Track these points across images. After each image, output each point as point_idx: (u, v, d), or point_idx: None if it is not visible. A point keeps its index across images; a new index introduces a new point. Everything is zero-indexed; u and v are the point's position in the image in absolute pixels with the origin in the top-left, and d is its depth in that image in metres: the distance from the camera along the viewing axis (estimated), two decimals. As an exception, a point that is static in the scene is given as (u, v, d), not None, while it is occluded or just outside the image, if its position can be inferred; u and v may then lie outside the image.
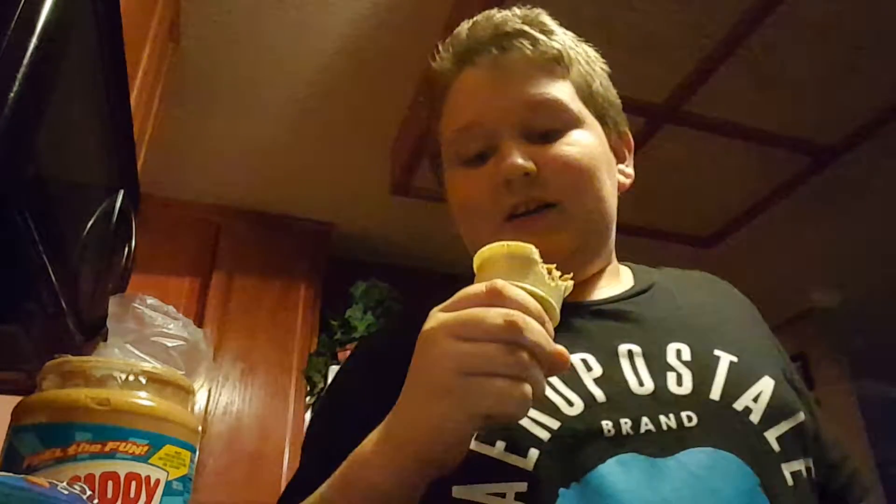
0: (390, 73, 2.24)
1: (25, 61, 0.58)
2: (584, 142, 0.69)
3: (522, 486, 0.55)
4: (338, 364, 2.55)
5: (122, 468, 0.54)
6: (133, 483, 0.54)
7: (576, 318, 0.66)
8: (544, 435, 0.57)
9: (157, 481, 0.55)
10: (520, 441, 0.56)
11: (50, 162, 0.69)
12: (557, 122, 0.69)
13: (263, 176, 2.78)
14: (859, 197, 2.73)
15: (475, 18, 0.73)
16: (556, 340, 0.50)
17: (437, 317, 0.49)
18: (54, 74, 0.66)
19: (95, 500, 0.51)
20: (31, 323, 0.75)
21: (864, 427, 3.34)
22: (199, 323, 2.64)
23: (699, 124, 2.32)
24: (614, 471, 0.55)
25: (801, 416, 0.63)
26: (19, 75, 0.58)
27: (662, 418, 0.58)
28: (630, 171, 0.77)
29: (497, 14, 0.72)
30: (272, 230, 2.99)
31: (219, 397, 2.61)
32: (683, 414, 0.59)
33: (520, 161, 0.65)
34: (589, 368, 0.61)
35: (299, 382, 2.72)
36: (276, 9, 2.01)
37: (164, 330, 0.65)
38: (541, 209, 0.66)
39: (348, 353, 2.82)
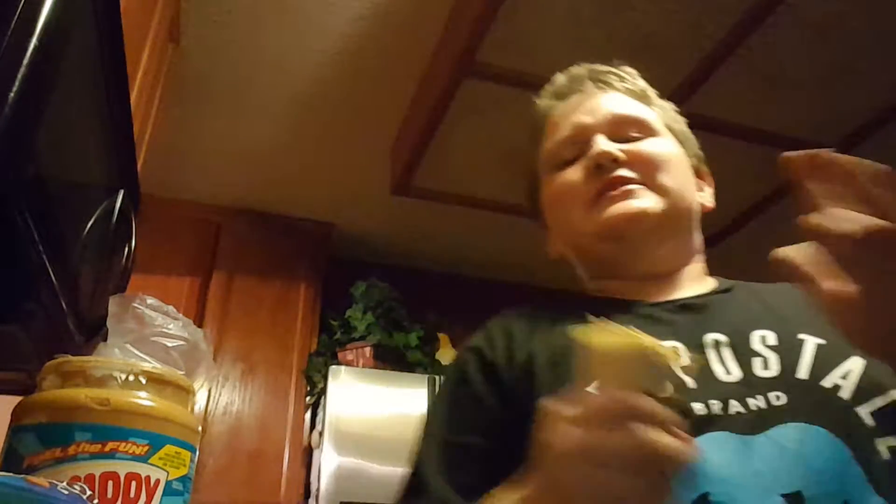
0: (390, 73, 2.24)
1: (25, 61, 0.58)
2: (668, 145, 0.77)
3: None
4: (337, 364, 2.55)
5: (122, 468, 0.54)
6: (133, 483, 0.54)
7: (662, 311, 0.71)
8: None
9: (157, 481, 0.55)
10: None
11: (50, 162, 0.69)
12: (643, 132, 0.77)
13: (263, 176, 2.78)
14: (859, 197, 2.73)
15: (568, 70, 0.87)
16: (644, 331, 0.52)
17: (571, 435, 0.47)
18: (54, 74, 0.66)
19: (95, 500, 0.51)
20: (31, 323, 0.75)
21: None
22: (199, 323, 2.64)
23: (699, 124, 2.31)
24: (705, 447, 0.57)
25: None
26: (19, 75, 0.58)
27: (751, 400, 0.61)
28: (711, 200, 0.82)
29: (586, 65, 0.86)
30: (272, 230, 2.99)
31: (219, 397, 2.61)
32: (771, 394, 0.61)
33: (609, 148, 0.73)
34: (677, 356, 0.62)
35: (299, 382, 2.72)
36: (276, 9, 2.01)
37: (164, 330, 0.65)
38: (626, 183, 0.72)
39: (348, 352, 2.81)
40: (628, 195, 0.72)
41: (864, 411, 0.60)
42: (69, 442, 0.53)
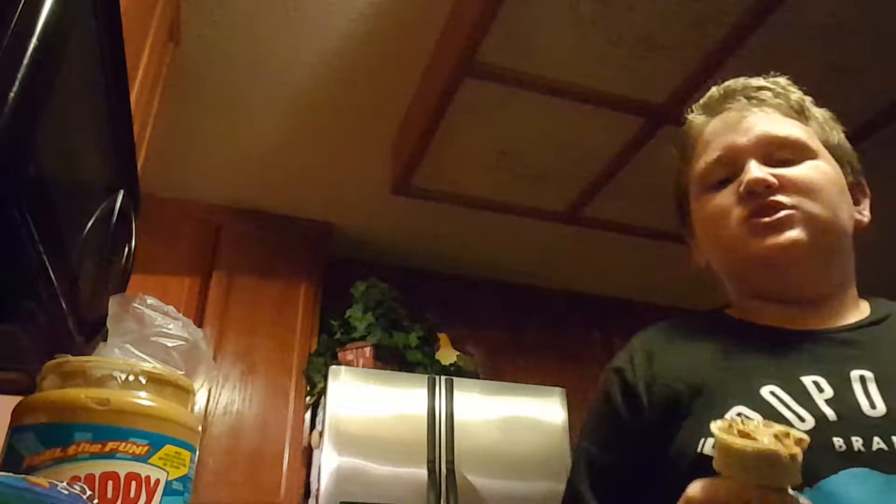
0: (391, 73, 2.24)
1: (25, 61, 0.58)
2: (822, 168, 0.75)
3: None
4: (337, 364, 2.55)
5: (122, 468, 0.54)
6: (133, 483, 0.54)
7: (810, 343, 0.71)
8: None
9: (157, 481, 0.55)
10: None
11: (50, 162, 0.69)
12: (797, 155, 0.75)
13: (263, 176, 2.78)
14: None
15: (723, 84, 0.84)
16: (791, 364, 0.63)
17: None
18: (54, 74, 0.66)
19: (95, 500, 0.51)
20: (31, 323, 0.75)
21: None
22: (199, 323, 2.64)
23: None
24: (848, 481, 0.58)
25: None
26: (19, 75, 0.58)
27: (895, 438, 0.61)
28: (867, 214, 0.81)
29: (744, 78, 0.83)
30: (272, 230, 2.99)
31: (219, 397, 2.61)
32: None
33: (761, 174, 0.72)
34: (821, 390, 0.65)
35: (299, 382, 2.72)
36: (276, 9, 2.01)
37: (164, 330, 0.65)
38: (778, 210, 0.71)
39: (348, 352, 2.81)
40: (782, 224, 0.71)
41: None
42: (69, 442, 0.53)
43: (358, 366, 2.60)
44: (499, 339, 3.26)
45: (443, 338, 2.95)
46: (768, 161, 0.74)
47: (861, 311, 0.77)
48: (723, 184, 0.76)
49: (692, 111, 0.85)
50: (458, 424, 2.45)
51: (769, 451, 0.51)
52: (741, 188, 0.73)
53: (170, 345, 0.64)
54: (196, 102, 2.36)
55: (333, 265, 3.08)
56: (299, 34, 2.10)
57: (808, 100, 0.82)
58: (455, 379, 2.58)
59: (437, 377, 2.55)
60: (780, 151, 0.75)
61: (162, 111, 1.83)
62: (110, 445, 0.54)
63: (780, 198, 0.72)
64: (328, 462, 2.28)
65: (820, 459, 0.59)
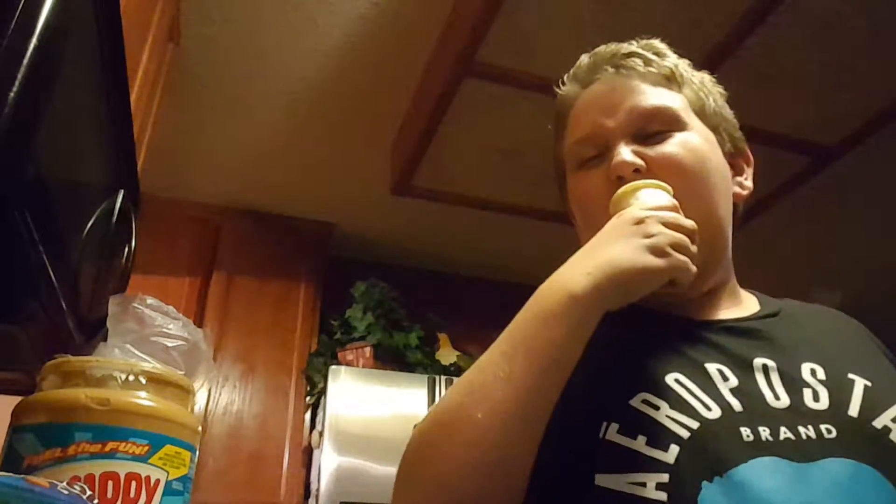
0: (391, 73, 2.24)
1: (25, 61, 0.58)
2: (693, 142, 0.72)
3: (664, 478, 0.58)
4: (338, 364, 2.56)
5: (122, 468, 0.54)
6: (133, 483, 0.54)
7: (708, 332, 0.70)
8: (684, 433, 0.60)
9: (157, 481, 0.55)
10: (661, 436, 0.60)
11: (50, 162, 0.69)
12: (667, 126, 0.73)
13: (263, 176, 2.79)
14: (859, 197, 2.73)
15: (594, 50, 0.80)
16: (689, 352, 0.67)
17: (633, 213, 0.65)
18: (54, 74, 0.66)
19: (95, 500, 0.51)
20: (31, 323, 0.75)
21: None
22: (199, 323, 2.64)
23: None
24: (758, 469, 0.58)
25: None
26: (19, 75, 0.58)
27: (801, 428, 0.61)
28: (748, 183, 0.79)
29: (615, 44, 0.79)
30: (272, 230, 2.99)
31: (219, 397, 2.61)
32: (822, 426, 0.61)
33: (629, 158, 0.70)
34: (725, 378, 0.65)
35: (299, 382, 2.72)
36: (276, 9, 2.01)
37: (164, 330, 0.65)
38: None
39: (348, 352, 2.81)
40: None
41: None
42: (69, 442, 0.53)
43: (358, 366, 2.60)
44: (499, 339, 3.26)
45: (443, 338, 2.95)
46: (637, 136, 0.72)
47: (748, 304, 0.76)
48: (593, 161, 0.75)
49: (563, 83, 0.82)
50: (458, 424, 2.44)
51: (653, 184, 0.67)
52: (610, 172, 0.71)
53: (170, 345, 0.64)
54: (196, 102, 2.36)
55: (333, 265, 3.08)
56: (299, 34, 2.10)
57: (682, 64, 0.78)
58: (455, 379, 2.58)
59: (437, 377, 2.55)
60: (649, 125, 0.72)
61: (162, 111, 1.83)
62: (110, 445, 0.54)
63: None
64: (328, 462, 2.28)
65: (728, 448, 0.59)
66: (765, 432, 0.60)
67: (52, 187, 0.71)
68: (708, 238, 0.70)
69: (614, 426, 0.61)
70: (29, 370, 0.78)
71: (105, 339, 0.65)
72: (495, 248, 3.24)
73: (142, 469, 0.55)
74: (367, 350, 2.65)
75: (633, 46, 0.77)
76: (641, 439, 0.61)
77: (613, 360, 0.67)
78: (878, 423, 0.61)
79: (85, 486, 0.48)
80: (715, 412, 0.62)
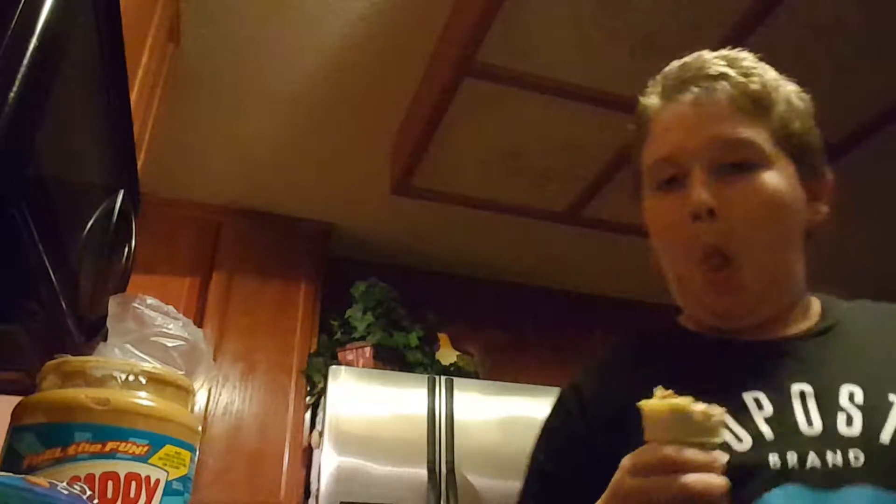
0: (391, 72, 2.24)
1: (25, 61, 0.58)
2: (770, 183, 0.70)
3: None
4: (338, 364, 2.55)
5: (122, 468, 0.54)
6: (133, 483, 0.54)
7: (754, 355, 0.71)
8: None
9: (157, 481, 0.55)
10: None
11: (50, 162, 0.69)
12: (747, 158, 0.71)
13: (263, 176, 2.78)
14: (859, 197, 2.73)
15: (684, 59, 0.78)
16: (735, 378, 0.67)
17: (626, 481, 0.59)
18: (54, 74, 0.66)
19: (95, 500, 0.51)
20: (31, 323, 0.75)
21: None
22: (199, 323, 2.64)
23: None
24: (780, 498, 0.60)
25: None
26: (19, 75, 0.58)
27: (829, 455, 0.62)
28: (825, 209, 0.77)
29: (705, 55, 0.76)
30: (272, 230, 2.99)
31: (219, 397, 2.61)
32: (850, 453, 0.62)
33: (704, 197, 0.69)
34: (760, 407, 0.67)
35: (299, 382, 2.72)
36: (276, 9, 2.01)
37: (164, 330, 0.65)
38: (722, 266, 0.70)
39: (348, 353, 2.80)
40: (724, 287, 0.70)
41: None
42: (69, 442, 0.53)
43: (358, 366, 2.60)
44: (499, 339, 3.26)
45: (443, 338, 2.95)
46: (716, 164, 0.71)
47: (809, 318, 0.76)
48: (670, 182, 0.74)
49: (649, 89, 0.81)
50: (458, 424, 2.45)
51: (679, 406, 0.57)
52: (685, 208, 0.70)
53: (170, 345, 0.64)
54: (196, 102, 2.36)
55: (333, 265, 3.08)
56: (299, 34, 2.10)
57: (771, 81, 0.76)
58: (455, 379, 2.58)
59: (437, 377, 2.55)
60: (730, 156, 0.71)
61: (162, 111, 1.83)
62: (110, 445, 0.54)
63: (722, 241, 0.69)
64: (328, 462, 2.28)
65: (755, 478, 0.62)
66: (792, 459, 0.62)
67: (52, 187, 0.71)
68: (773, 281, 0.71)
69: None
70: (29, 370, 0.78)
71: (105, 339, 0.65)
72: (495, 248, 3.24)
73: (142, 469, 0.55)
74: (367, 350, 2.65)
75: (722, 66, 0.74)
76: None
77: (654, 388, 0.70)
78: None
79: (85, 486, 0.48)
80: (746, 443, 0.64)
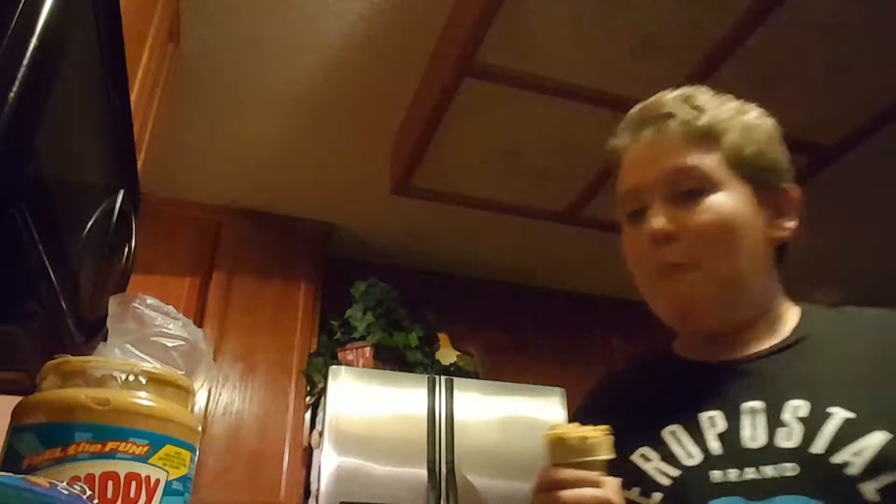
0: (391, 73, 2.24)
1: (25, 61, 0.58)
2: (722, 205, 0.77)
3: None
4: (338, 364, 2.55)
5: (122, 468, 0.54)
6: (133, 483, 0.54)
7: (717, 376, 0.78)
8: (666, 482, 0.72)
9: (157, 481, 0.55)
10: (649, 486, 0.73)
11: (50, 162, 0.69)
12: (699, 185, 0.78)
13: (263, 176, 2.79)
14: (859, 196, 2.73)
15: (645, 101, 0.86)
16: (697, 399, 0.75)
17: (532, 501, 0.71)
18: (54, 74, 0.66)
19: (95, 500, 0.51)
20: (31, 323, 0.75)
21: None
22: (199, 323, 2.63)
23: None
24: None
25: None
26: (19, 75, 0.58)
27: (765, 468, 0.68)
28: (790, 224, 0.81)
29: (662, 96, 0.84)
30: (272, 230, 2.99)
31: (219, 397, 2.61)
32: (787, 465, 0.67)
33: (660, 224, 0.77)
34: (713, 425, 0.74)
35: (299, 382, 2.72)
36: (276, 9, 2.01)
37: (164, 330, 0.65)
38: (675, 272, 0.77)
39: (348, 352, 2.81)
40: (682, 283, 0.77)
41: (870, 487, 0.63)
42: (69, 442, 0.53)
43: (358, 366, 2.60)
44: (499, 339, 3.26)
45: (443, 338, 2.95)
46: (672, 195, 0.78)
47: (779, 333, 0.79)
48: (637, 214, 0.81)
49: (617, 131, 0.89)
50: (458, 424, 2.45)
51: (557, 434, 0.69)
52: (646, 236, 0.78)
53: (170, 345, 0.64)
54: (196, 103, 2.36)
55: (333, 265, 3.08)
56: (299, 34, 2.10)
57: (722, 115, 0.81)
58: (455, 379, 2.58)
59: (437, 377, 2.55)
60: (682, 184, 0.78)
61: (162, 111, 1.83)
62: (110, 445, 0.54)
63: (679, 254, 0.76)
64: (328, 462, 2.28)
65: (700, 492, 0.70)
66: (732, 473, 0.69)
67: (52, 187, 0.71)
68: (731, 288, 0.77)
69: (619, 479, 0.69)
70: (29, 370, 0.78)
71: (105, 339, 0.65)
72: (495, 248, 3.24)
73: (142, 469, 0.55)
74: (367, 350, 2.65)
75: (673, 105, 0.81)
76: (636, 490, 0.74)
77: (627, 415, 0.79)
78: (838, 457, 0.65)
79: (85, 486, 0.48)
80: (696, 458, 0.72)
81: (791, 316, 0.81)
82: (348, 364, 2.60)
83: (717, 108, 0.81)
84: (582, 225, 2.97)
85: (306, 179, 2.80)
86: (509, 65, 2.09)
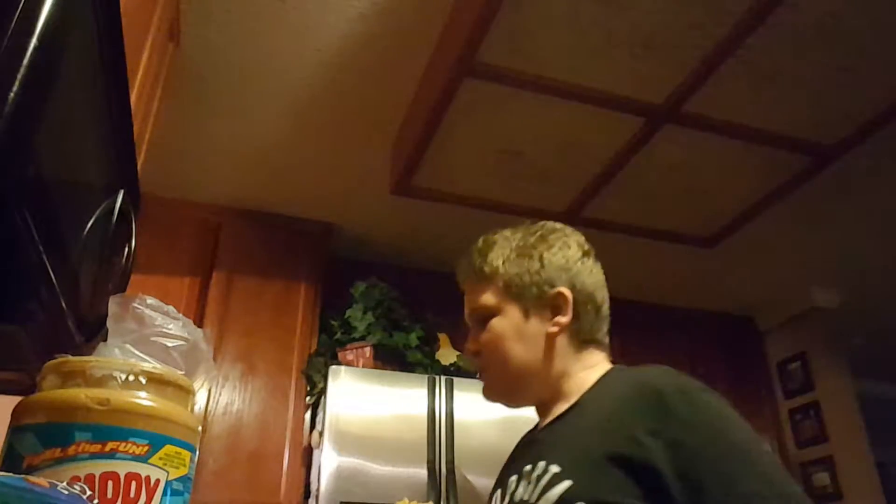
0: (391, 73, 2.24)
1: (25, 61, 0.58)
2: (495, 326, 1.02)
3: None
4: (338, 364, 2.55)
5: (122, 468, 0.54)
6: (133, 483, 0.54)
7: (528, 445, 1.03)
8: None
9: (157, 481, 0.55)
10: None
11: (50, 162, 0.69)
12: (487, 313, 1.03)
13: (264, 176, 2.78)
14: (859, 197, 2.73)
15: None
16: (513, 464, 0.99)
17: None
18: (54, 74, 0.66)
19: (95, 500, 0.51)
20: (31, 323, 0.75)
21: (864, 427, 3.34)
22: (199, 323, 2.64)
23: (699, 124, 2.32)
24: None
25: None
26: (19, 75, 0.58)
27: None
28: (564, 319, 1.00)
29: (479, 240, 1.13)
30: (272, 230, 2.99)
31: (219, 397, 2.61)
32: None
33: (469, 346, 1.06)
34: (510, 486, 0.94)
35: (299, 382, 2.72)
36: (276, 8, 2.01)
37: (164, 330, 0.65)
38: (481, 375, 1.06)
39: (348, 352, 2.80)
40: (484, 380, 1.05)
41: None
42: (69, 442, 0.53)
43: (358, 366, 2.60)
44: (499, 339, 3.26)
45: (443, 338, 2.95)
46: (477, 322, 1.04)
47: (569, 400, 0.97)
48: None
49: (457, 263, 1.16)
50: (458, 424, 2.45)
51: None
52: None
53: (170, 345, 0.64)
54: (196, 102, 2.36)
55: (333, 265, 3.07)
56: (299, 34, 2.10)
57: (493, 255, 1.06)
58: (455, 379, 2.58)
59: (437, 377, 2.55)
60: (479, 314, 1.04)
61: (162, 111, 1.83)
62: (110, 445, 0.54)
63: (480, 365, 1.04)
64: (328, 462, 2.28)
65: None
66: None
67: (52, 187, 0.71)
68: (515, 383, 1.02)
69: None
70: (29, 370, 0.78)
71: (105, 339, 0.65)
72: (495, 248, 3.24)
73: (142, 469, 0.55)
74: (367, 350, 2.65)
75: (470, 253, 1.11)
76: None
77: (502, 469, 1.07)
78: (539, 502, 0.83)
79: (85, 486, 0.48)
80: None
81: (589, 382, 0.98)
82: (348, 364, 2.60)
83: (492, 249, 1.08)
84: (582, 225, 2.95)
85: (306, 179, 2.80)
86: (509, 65, 2.09)
